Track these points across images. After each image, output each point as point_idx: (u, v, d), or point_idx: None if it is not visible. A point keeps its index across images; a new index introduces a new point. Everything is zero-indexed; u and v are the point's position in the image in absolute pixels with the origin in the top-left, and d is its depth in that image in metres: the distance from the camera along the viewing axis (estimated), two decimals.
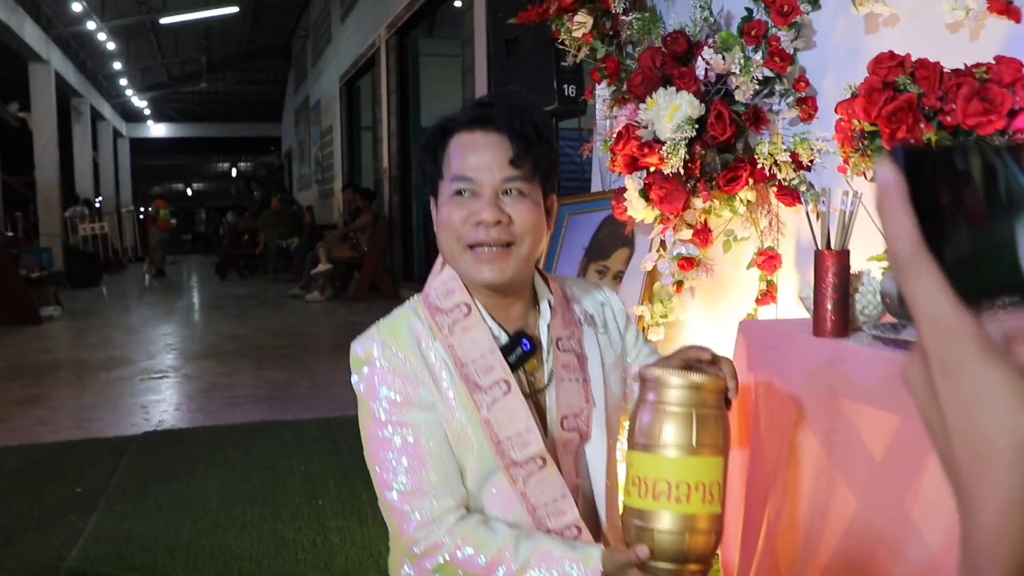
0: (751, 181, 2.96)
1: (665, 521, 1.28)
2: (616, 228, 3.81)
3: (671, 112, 2.94)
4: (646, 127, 3.10)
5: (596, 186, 4.59)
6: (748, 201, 3.04)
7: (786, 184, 2.86)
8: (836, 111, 2.23)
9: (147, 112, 28.48)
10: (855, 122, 2.07)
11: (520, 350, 1.46)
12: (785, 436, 1.97)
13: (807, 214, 2.00)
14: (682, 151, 2.89)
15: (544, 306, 1.54)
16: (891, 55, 2.06)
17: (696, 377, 1.32)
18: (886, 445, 1.71)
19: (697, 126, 2.91)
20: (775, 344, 2.05)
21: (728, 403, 1.40)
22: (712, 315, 3.47)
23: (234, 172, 30.72)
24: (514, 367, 1.45)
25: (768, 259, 2.96)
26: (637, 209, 3.19)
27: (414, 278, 12.02)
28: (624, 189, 3.25)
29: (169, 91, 25.19)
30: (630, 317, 1.71)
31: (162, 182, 32.43)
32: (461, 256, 1.43)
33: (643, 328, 3.52)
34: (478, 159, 1.41)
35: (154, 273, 17.18)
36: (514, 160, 1.41)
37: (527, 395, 1.47)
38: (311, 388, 5.98)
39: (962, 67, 2.04)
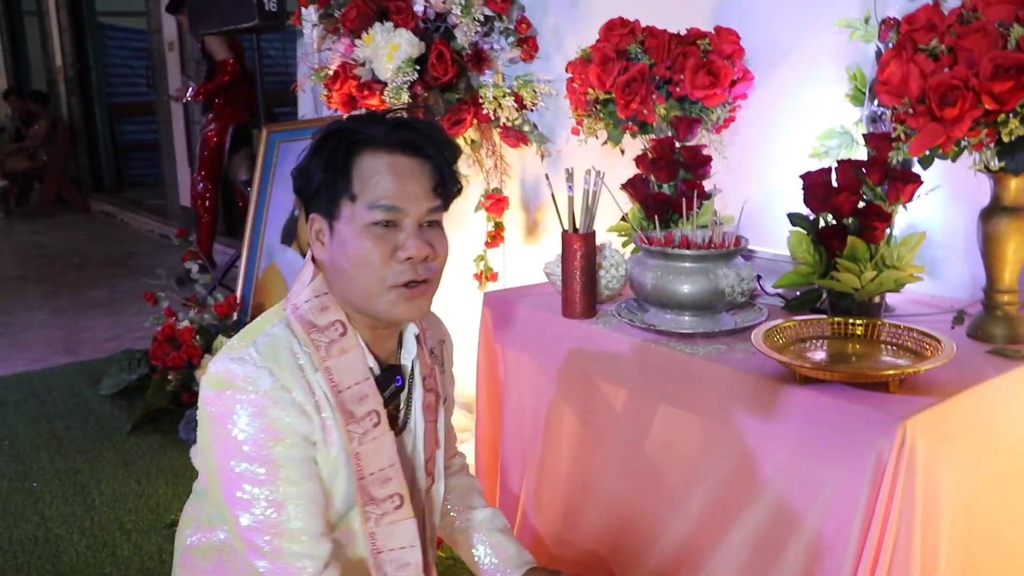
0: (475, 122, 2.91)
1: None
2: None
3: (390, 51, 2.81)
4: (363, 64, 2.95)
5: (307, 110, 4.37)
6: (472, 141, 2.99)
7: (511, 125, 2.83)
8: (567, 70, 2.21)
9: None
10: (590, 90, 2.05)
11: (393, 386, 1.38)
12: (541, 412, 1.99)
13: (549, 187, 1.97)
14: (405, 96, 2.78)
15: (410, 338, 1.43)
16: (622, 21, 2.05)
17: None
18: (640, 426, 1.76)
19: (418, 67, 2.81)
20: (523, 320, 2.05)
21: None
22: None
23: None
24: (384, 404, 1.35)
25: (496, 202, 2.95)
26: None
27: (104, 188, 11.13)
28: None
29: None
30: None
31: None
32: (382, 295, 1.28)
33: None
34: (405, 187, 1.27)
35: None
36: (437, 189, 1.30)
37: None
38: (2, 335, 5.41)
39: (684, 31, 2.08)
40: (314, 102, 4.12)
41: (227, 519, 1.30)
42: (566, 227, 1.89)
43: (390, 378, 1.37)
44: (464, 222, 3.18)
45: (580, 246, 1.86)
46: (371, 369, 1.34)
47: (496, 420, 2.16)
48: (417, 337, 1.43)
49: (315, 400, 1.29)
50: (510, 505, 2.11)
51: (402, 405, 1.42)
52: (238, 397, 1.25)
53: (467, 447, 2.96)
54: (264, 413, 1.24)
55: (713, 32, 2.04)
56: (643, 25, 2.07)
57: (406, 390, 1.42)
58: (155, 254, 7.67)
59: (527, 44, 2.83)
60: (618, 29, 2.04)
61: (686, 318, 1.74)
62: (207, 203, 6.16)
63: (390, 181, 1.27)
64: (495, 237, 3.00)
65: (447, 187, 1.32)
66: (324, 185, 1.29)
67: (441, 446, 1.50)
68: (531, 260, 2.97)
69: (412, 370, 1.43)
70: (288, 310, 1.34)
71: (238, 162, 6.19)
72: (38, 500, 3.09)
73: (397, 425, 1.41)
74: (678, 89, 1.99)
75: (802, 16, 2.07)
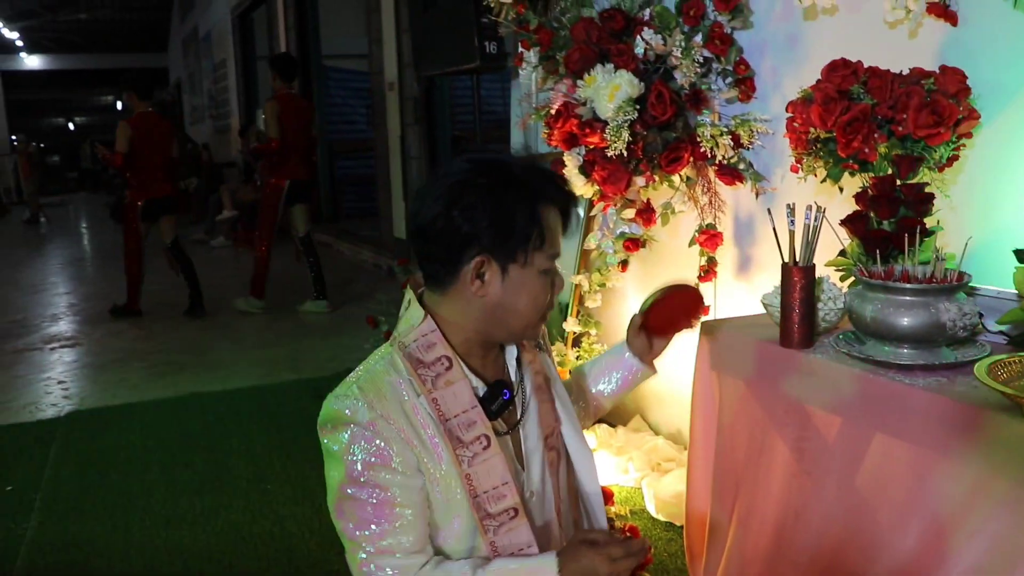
0: (691, 160, 3.00)
1: None
2: None
3: (611, 91, 2.94)
4: (584, 104, 3.10)
5: (518, 143, 4.56)
6: (687, 178, 3.09)
7: (726, 163, 2.91)
8: (787, 110, 2.27)
9: (19, 43, 27.03)
10: (811, 130, 2.11)
11: (500, 400, 1.52)
12: (755, 438, 2.05)
13: (771, 221, 2.04)
14: (625, 134, 2.90)
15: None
16: (844, 62, 2.10)
17: None
18: (855, 454, 1.80)
19: (638, 106, 2.93)
20: (739, 348, 2.12)
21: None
22: (649, 285, 3.53)
23: (119, 105, 29.46)
24: (495, 416, 1.50)
25: (710, 237, 3.03)
26: (576, 185, 3.20)
27: (322, 219, 11.84)
28: (561, 163, 3.24)
29: (43, 20, 23.79)
30: None
31: (41, 118, 30.93)
32: (537, 323, 1.51)
33: (580, 295, 3.57)
34: (562, 238, 1.51)
35: (27, 219, 16.58)
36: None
37: (504, 434, 1.53)
38: (235, 350, 5.90)
39: (906, 70, 2.11)
40: (525, 139, 4.30)
41: (343, 541, 1.45)
42: (786, 260, 1.96)
43: (497, 393, 1.51)
44: (677, 256, 3.28)
45: (800, 278, 1.92)
46: (475, 389, 1.48)
47: (709, 444, 2.23)
48: None
49: (419, 429, 1.43)
50: (721, 528, 2.18)
51: (518, 400, 1.57)
52: (343, 430, 1.41)
53: (674, 475, 3.05)
54: (366, 442, 1.40)
55: (938, 71, 2.06)
56: (865, 65, 2.12)
57: (518, 387, 1.58)
58: (369, 282, 8.13)
59: (745, 85, 2.92)
60: (840, 70, 2.09)
61: (905, 350, 1.77)
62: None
63: (559, 235, 1.49)
64: (708, 271, 3.07)
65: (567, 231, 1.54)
66: (521, 234, 1.42)
67: (563, 420, 1.64)
68: (742, 295, 3.03)
69: (519, 368, 1.60)
70: (395, 347, 1.50)
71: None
72: (273, 500, 3.38)
73: (510, 423, 1.55)
74: (900, 128, 2.02)
75: None
